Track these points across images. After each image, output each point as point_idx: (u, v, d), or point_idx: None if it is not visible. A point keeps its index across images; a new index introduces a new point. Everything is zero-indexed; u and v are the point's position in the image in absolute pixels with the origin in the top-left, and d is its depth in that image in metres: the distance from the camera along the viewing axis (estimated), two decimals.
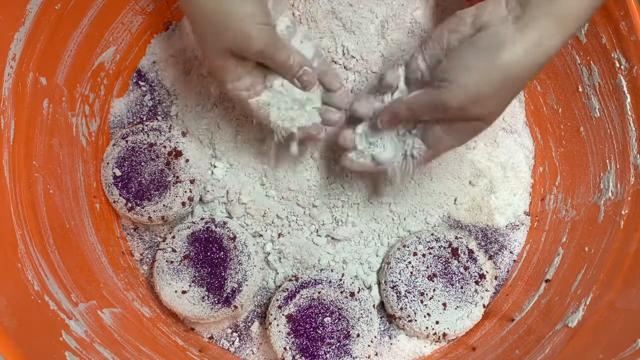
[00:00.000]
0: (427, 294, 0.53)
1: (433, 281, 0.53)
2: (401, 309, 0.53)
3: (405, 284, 0.53)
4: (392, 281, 0.53)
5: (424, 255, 0.54)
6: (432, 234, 0.55)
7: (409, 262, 0.53)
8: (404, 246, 0.54)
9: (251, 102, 0.47)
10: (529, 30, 0.38)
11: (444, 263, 0.54)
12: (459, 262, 0.54)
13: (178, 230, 0.54)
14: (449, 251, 0.54)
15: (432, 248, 0.54)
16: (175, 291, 0.53)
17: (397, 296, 0.53)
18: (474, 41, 0.40)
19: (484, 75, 0.39)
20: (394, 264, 0.53)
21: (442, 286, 0.53)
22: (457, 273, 0.54)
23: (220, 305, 0.52)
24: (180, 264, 0.53)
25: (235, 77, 0.45)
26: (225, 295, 0.52)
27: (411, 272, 0.53)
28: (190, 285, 0.53)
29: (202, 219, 0.55)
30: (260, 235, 0.56)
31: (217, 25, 0.41)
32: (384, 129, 0.47)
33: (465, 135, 0.44)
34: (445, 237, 0.55)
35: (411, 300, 0.53)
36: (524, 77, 0.40)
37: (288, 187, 0.56)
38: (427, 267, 0.54)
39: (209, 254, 0.53)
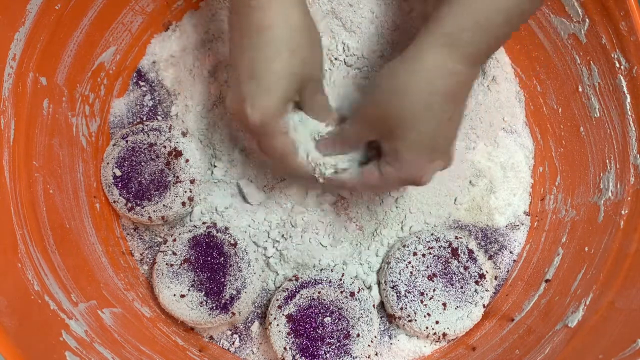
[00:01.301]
0: (427, 294, 0.53)
1: (433, 281, 0.53)
2: (401, 308, 0.53)
3: (405, 284, 0.53)
4: (392, 281, 0.53)
5: (423, 255, 0.54)
6: (432, 234, 0.55)
7: (409, 262, 0.53)
8: (403, 246, 0.54)
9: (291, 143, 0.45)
10: (405, 57, 0.40)
11: (443, 263, 0.54)
12: (458, 262, 0.54)
13: (179, 234, 0.54)
14: (449, 251, 0.54)
15: (432, 248, 0.54)
16: (174, 294, 0.53)
17: (397, 296, 0.53)
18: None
19: (375, 84, 0.42)
20: (394, 264, 0.53)
21: (442, 286, 0.53)
22: (457, 273, 0.54)
23: (218, 311, 0.52)
24: (180, 267, 0.53)
25: (282, 117, 0.43)
26: (223, 302, 0.52)
27: (411, 272, 0.53)
28: (189, 290, 0.53)
29: (203, 223, 0.55)
30: (264, 240, 0.56)
31: (298, 50, 0.41)
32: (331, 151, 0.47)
33: (385, 163, 0.44)
34: (445, 237, 0.55)
35: (411, 300, 0.53)
36: (412, 89, 0.40)
37: (288, 189, 0.56)
38: (427, 267, 0.54)
39: (209, 259, 0.53)
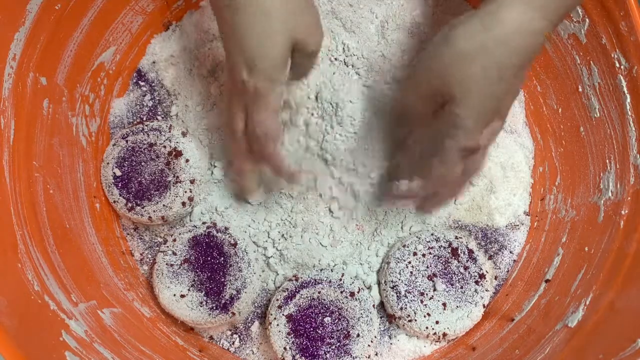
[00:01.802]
0: (427, 294, 0.53)
1: (433, 281, 0.53)
2: (401, 308, 0.53)
3: (405, 284, 0.53)
4: (392, 281, 0.53)
5: (423, 255, 0.54)
6: (432, 234, 0.55)
7: (409, 262, 0.53)
8: (403, 246, 0.54)
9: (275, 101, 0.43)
10: (485, 7, 0.38)
11: (443, 263, 0.54)
12: (458, 262, 0.54)
13: (179, 234, 0.54)
14: (449, 251, 0.54)
15: (432, 248, 0.54)
16: (174, 294, 0.53)
17: (397, 296, 0.53)
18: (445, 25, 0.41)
19: (441, 48, 0.39)
20: (394, 264, 0.53)
21: (442, 286, 0.53)
22: (457, 273, 0.54)
23: (218, 311, 0.52)
24: (180, 267, 0.53)
25: (278, 80, 0.42)
26: (223, 302, 0.52)
27: (411, 272, 0.53)
28: (189, 290, 0.53)
29: (203, 223, 0.55)
30: (264, 240, 0.56)
31: (286, 10, 0.39)
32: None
33: (451, 131, 0.41)
34: (445, 237, 0.55)
35: (411, 300, 0.53)
36: (490, 53, 0.38)
37: (287, 190, 0.56)
38: (427, 267, 0.54)
39: (209, 259, 0.53)
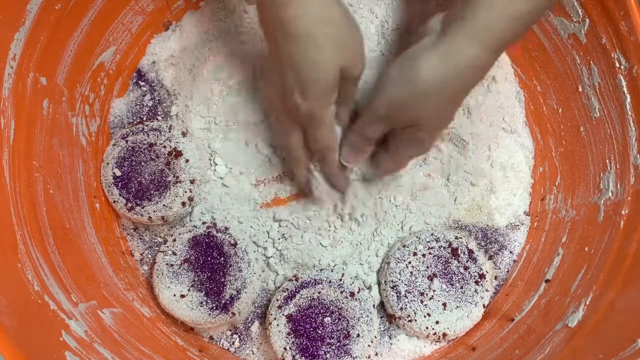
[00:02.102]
0: (427, 294, 0.53)
1: (433, 281, 0.53)
2: (401, 309, 0.53)
3: (405, 284, 0.53)
4: (392, 281, 0.53)
5: (423, 255, 0.54)
6: (432, 234, 0.55)
7: (409, 262, 0.53)
8: (404, 246, 0.54)
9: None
10: (441, 43, 0.41)
11: (444, 263, 0.54)
12: (458, 262, 0.54)
13: (179, 234, 0.54)
14: (449, 251, 0.54)
15: (432, 248, 0.54)
16: (174, 295, 0.53)
17: (397, 296, 0.53)
18: (402, 55, 0.44)
19: (402, 82, 0.43)
20: (394, 264, 0.53)
21: (442, 286, 0.53)
22: (457, 273, 0.54)
23: (218, 311, 0.52)
24: (180, 267, 0.53)
25: (329, 102, 0.46)
26: (223, 302, 0.52)
27: (411, 272, 0.53)
28: (189, 290, 0.53)
29: (203, 223, 0.55)
30: (264, 240, 0.56)
31: (336, 40, 0.42)
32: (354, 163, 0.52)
33: (408, 144, 0.48)
34: (445, 237, 0.55)
35: (411, 300, 0.53)
36: (447, 86, 0.42)
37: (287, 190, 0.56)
38: (427, 267, 0.54)
39: (209, 259, 0.53)
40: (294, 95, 0.44)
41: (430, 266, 0.54)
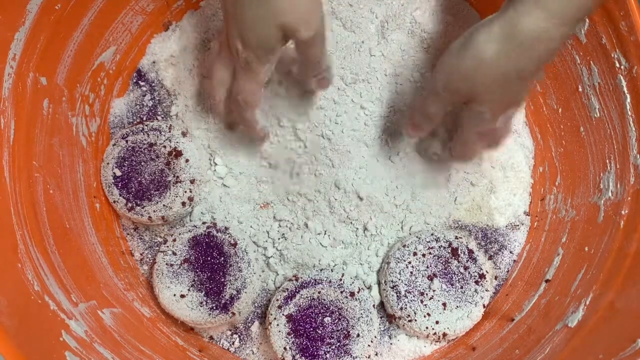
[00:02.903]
0: (427, 294, 0.53)
1: (433, 281, 0.53)
2: (401, 308, 0.53)
3: (405, 284, 0.53)
4: (392, 281, 0.53)
5: (423, 255, 0.54)
6: (432, 234, 0.55)
7: (409, 262, 0.53)
8: (404, 246, 0.54)
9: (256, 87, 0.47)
10: (505, 13, 0.39)
11: (443, 263, 0.54)
12: (458, 262, 0.54)
13: (179, 234, 0.54)
14: (449, 251, 0.54)
15: (432, 248, 0.54)
16: (174, 295, 0.53)
17: (397, 296, 0.53)
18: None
19: (461, 53, 0.42)
20: (394, 264, 0.53)
21: (442, 286, 0.53)
22: (457, 273, 0.54)
23: (218, 311, 0.52)
24: (180, 267, 0.53)
25: (266, 59, 0.45)
26: (223, 302, 0.52)
27: (411, 272, 0.53)
28: (189, 290, 0.53)
29: (203, 223, 0.55)
30: (264, 240, 0.56)
31: (282, 2, 0.41)
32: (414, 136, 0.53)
33: (472, 121, 0.46)
34: (445, 237, 0.55)
35: (411, 300, 0.53)
36: (508, 58, 0.40)
37: (287, 189, 0.56)
38: (427, 267, 0.54)
39: (209, 259, 0.53)
40: (237, 41, 0.44)
41: (430, 266, 0.54)
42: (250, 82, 0.46)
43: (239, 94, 0.48)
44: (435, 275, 0.54)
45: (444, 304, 0.53)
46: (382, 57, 0.57)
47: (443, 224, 0.57)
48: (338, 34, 0.57)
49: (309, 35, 0.43)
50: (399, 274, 0.53)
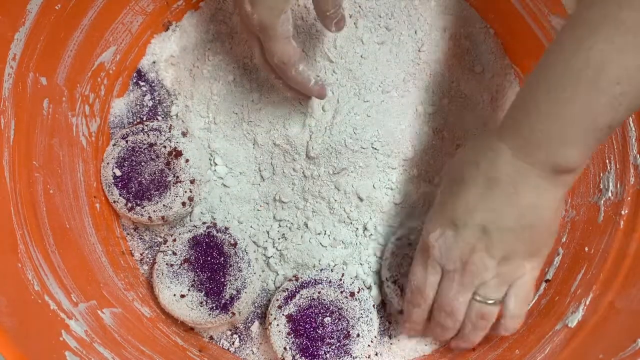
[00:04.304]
0: None
1: None
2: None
3: (406, 277, 0.53)
4: (392, 276, 0.53)
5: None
6: (423, 222, 0.54)
7: (406, 254, 0.53)
8: (397, 239, 0.54)
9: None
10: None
11: None
12: None
13: (179, 234, 0.54)
14: None
15: None
16: (174, 295, 0.53)
17: (400, 290, 0.53)
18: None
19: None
20: (392, 259, 0.53)
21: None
22: None
23: (218, 311, 0.52)
24: (180, 267, 0.53)
25: (278, 6, 0.43)
26: (223, 302, 0.52)
27: (409, 264, 0.53)
28: (189, 290, 0.53)
29: (203, 223, 0.55)
30: (264, 240, 0.56)
31: None
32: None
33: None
34: None
35: None
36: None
37: (286, 188, 0.56)
38: None
39: (209, 258, 0.53)
40: (245, 5, 0.42)
41: None
42: (275, 41, 0.44)
43: (273, 59, 0.46)
44: None
45: None
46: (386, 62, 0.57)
47: None
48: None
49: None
50: (397, 267, 0.53)
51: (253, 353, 0.56)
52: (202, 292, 0.52)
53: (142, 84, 0.60)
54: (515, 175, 0.39)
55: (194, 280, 0.53)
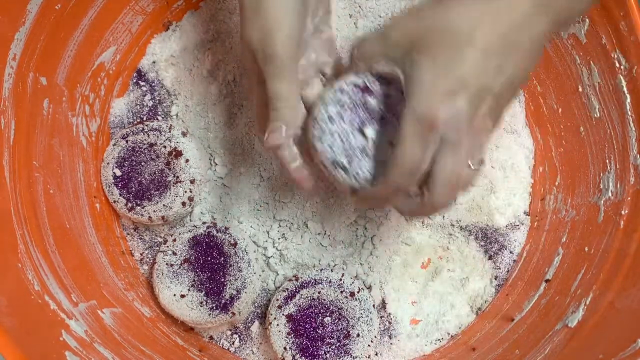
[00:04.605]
0: None
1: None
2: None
3: None
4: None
5: None
6: None
7: None
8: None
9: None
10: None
11: None
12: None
13: (179, 234, 0.54)
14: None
15: None
16: (174, 294, 0.53)
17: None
18: None
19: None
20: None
21: None
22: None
23: (218, 311, 0.52)
24: (180, 267, 0.53)
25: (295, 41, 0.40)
26: (223, 302, 0.52)
27: None
28: (189, 290, 0.53)
29: (203, 223, 0.55)
30: (264, 240, 0.56)
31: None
32: None
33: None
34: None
35: None
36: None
37: (286, 188, 0.56)
38: None
39: (209, 258, 0.53)
40: (252, 36, 0.40)
41: None
42: (280, 81, 0.40)
43: (263, 102, 0.42)
44: None
45: None
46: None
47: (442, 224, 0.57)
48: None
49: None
50: None
51: (253, 353, 0.56)
52: (202, 292, 0.52)
53: (142, 83, 0.60)
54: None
55: (194, 280, 0.53)
